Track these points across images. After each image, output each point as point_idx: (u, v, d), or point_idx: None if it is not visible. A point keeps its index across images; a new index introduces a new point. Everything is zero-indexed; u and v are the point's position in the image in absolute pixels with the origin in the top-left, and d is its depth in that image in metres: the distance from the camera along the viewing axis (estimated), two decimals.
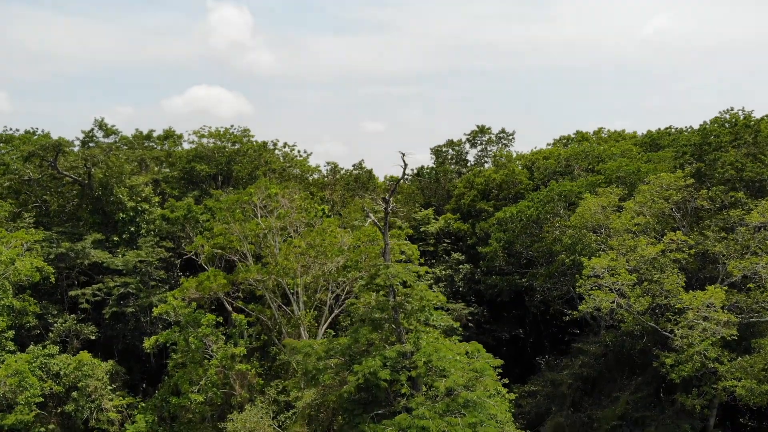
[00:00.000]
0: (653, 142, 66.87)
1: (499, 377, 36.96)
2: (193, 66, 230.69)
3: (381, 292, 35.38)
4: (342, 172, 72.90)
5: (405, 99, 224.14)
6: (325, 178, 72.16)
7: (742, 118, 49.83)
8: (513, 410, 40.69)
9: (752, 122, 48.56)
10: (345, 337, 36.79)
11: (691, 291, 40.26)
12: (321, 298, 47.76)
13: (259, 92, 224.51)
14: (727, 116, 51.22)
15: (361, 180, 70.84)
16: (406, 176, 79.65)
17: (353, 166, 72.63)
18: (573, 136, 79.54)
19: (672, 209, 46.68)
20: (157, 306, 46.76)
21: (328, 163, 73.99)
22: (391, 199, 35.63)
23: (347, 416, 34.34)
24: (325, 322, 47.17)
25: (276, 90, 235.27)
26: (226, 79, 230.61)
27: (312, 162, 74.05)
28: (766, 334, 40.37)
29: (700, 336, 37.98)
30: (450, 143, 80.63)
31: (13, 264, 44.12)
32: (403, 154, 34.06)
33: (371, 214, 36.42)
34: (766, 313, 39.89)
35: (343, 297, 47.88)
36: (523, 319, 68.48)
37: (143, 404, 44.95)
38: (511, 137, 79.94)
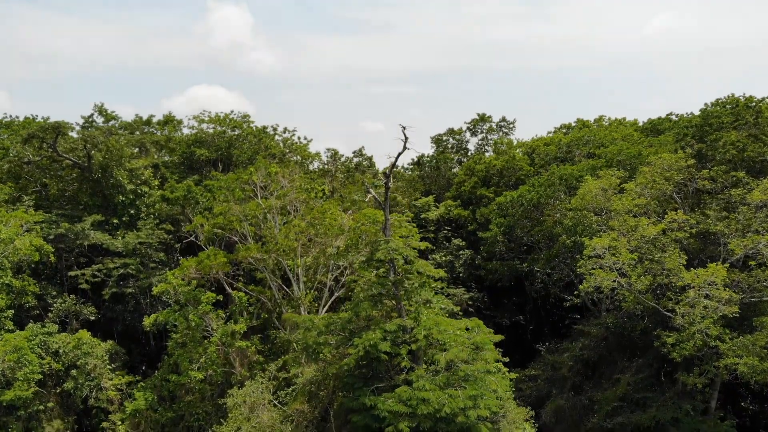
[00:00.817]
0: (654, 127, 66.61)
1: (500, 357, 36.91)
2: (193, 66, 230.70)
3: (381, 270, 35.27)
4: (342, 159, 72.78)
5: (405, 99, 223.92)
6: (326, 165, 72.04)
7: (743, 100, 49.71)
8: (513, 393, 40.50)
9: (753, 103, 48.44)
10: (345, 313, 36.68)
11: (692, 269, 40.11)
12: (321, 280, 47.60)
13: (259, 92, 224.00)
14: (728, 100, 51.13)
15: (361, 167, 70.72)
16: (407, 166, 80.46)
17: (353, 152, 72.62)
18: (574, 124, 79.20)
19: (673, 191, 46.52)
20: (156, 286, 46.59)
21: (328, 149, 73.90)
22: (391, 174, 35.55)
23: (348, 390, 34.23)
24: (325, 303, 46.98)
25: (276, 90, 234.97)
26: (226, 79, 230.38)
27: (312, 149, 73.90)
28: None
29: (701, 314, 37.81)
30: (450, 132, 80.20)
31: (12, 243, 43.94)
32: (404, 128, 34.14)
33: (371, 189, 36.27)
34: None
35: (343, 280, 47.72)
36: (523, 306, 68.30)
37: (143, 383, 44.77)
38: (511, 125, 79.59)
